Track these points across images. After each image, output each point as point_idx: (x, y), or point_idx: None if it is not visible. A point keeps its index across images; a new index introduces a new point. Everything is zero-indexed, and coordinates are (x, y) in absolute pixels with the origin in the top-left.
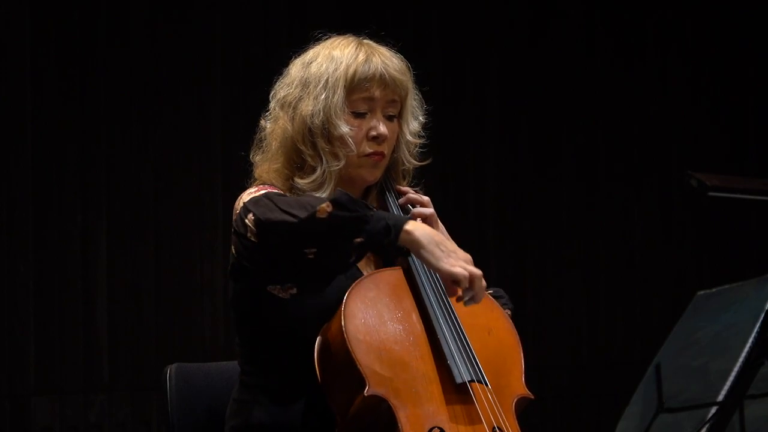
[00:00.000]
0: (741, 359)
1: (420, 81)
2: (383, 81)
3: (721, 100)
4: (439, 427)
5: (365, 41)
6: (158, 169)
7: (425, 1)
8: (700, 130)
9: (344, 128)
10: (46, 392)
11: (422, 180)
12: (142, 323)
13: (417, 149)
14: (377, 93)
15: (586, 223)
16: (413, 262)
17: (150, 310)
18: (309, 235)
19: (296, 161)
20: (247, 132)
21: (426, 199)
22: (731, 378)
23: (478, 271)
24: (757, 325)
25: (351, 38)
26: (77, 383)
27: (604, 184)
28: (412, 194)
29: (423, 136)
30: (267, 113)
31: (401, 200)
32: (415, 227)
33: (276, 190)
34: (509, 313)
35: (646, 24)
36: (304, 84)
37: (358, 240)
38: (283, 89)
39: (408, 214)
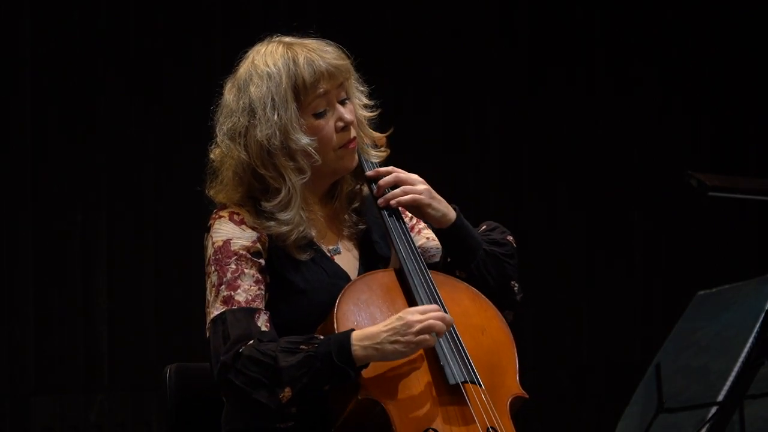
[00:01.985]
0: (741, 359)
1: (420, 82)
2: (329, 74)
3: (721, 100)
4: (432, 429)
5: (286, 40)
6: (158, 169)
7: (425, 1)
8: (700, 130)
9: (304, 140)
10: (46, 392)
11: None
12: (142, 323)
13: (374, 119)
14: (327, 86)
15: (585, 222)
16: (405, 264)
17: (150, 310)
18: (284, 410)
19: (259, 186)
20: None
21: (414, 176)
22: (731, 378)
23: (431, 321)
24: (757, 325)
25: (273, 44)
26: (77, 383)
27: (603, 183)
28: (401, 174)
29: (373, 106)
30: (212, 146)
31: (377, 177)
32: (360, 346)
33: (231, 266)
34: (511, 239)
35: (646, 23)
36: (250, 110)
37: (326, 387)
38: (228, 120)
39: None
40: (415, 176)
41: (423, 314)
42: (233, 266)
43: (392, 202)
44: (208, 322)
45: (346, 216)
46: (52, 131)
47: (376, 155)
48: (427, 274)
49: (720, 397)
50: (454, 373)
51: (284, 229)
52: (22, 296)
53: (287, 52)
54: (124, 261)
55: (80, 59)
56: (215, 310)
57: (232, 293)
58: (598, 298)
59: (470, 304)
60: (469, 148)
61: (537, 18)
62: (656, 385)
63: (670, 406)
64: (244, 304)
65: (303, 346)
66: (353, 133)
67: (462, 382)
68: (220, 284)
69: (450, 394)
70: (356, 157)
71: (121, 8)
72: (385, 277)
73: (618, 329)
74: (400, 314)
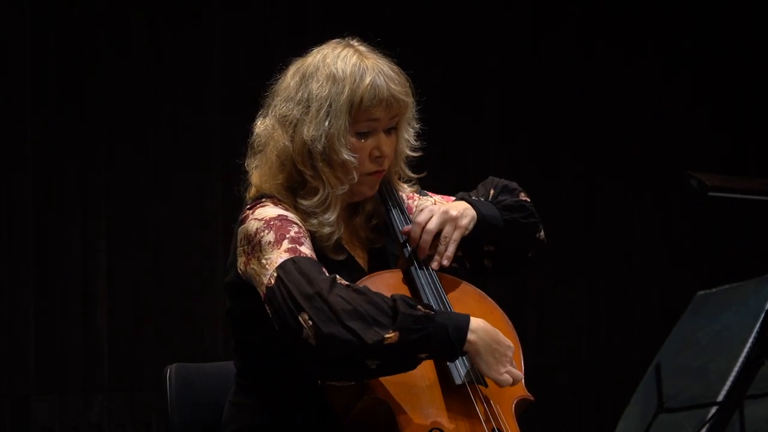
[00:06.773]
0: (741, 359)
1: (419, 82)
2: (388, 104)
3: (721, 101)
4: (438, 429)
5: (361, 49)
6: (158, 169)
7: (426, 1)
8: (700, 130)
9: (346, 155)
10: (46, 392)
11: (423, 171)
12: (142, 323)
13: (413, 158)
14: (381, 114)
15: (586, 222)
16: (412, 264)
17: (150, 310)
18: (374, 354)
19: (297, 179)
20: (247, 133)
21: (433, 208)
22: (731, 378)
23: (520, 374)
24: (757, 325)
25: (349, 49)
26: (77, 383)
27: (603, 183)
28: (429, 225)
29: (417, 145)
30: (260, 117)
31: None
32: (476, 335)
33: (294, 228)
34: (524, 197)
35: (646, 24)
36: (305, 105)
37: (423, 355)
38: (284, 105)
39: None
40: (434, 207)
41: (519, 366)
42: (296, 228)
43: (444, 262)
44: (272, 272)
45: (363, 233)
46: (51, 131)
47: (406, 188)
48: (434, 275)
49: (720, 397)
50: (460, 373)
51: (326, 230)
52: (22, 296)
53: (359, 63)
54: (124, 261)
55: (80, 60)
56: (280, 258)
57: (297, 246)
58: (598, 297)
59: (476, 305)
60: (469, 142)
61: (538, 22)
62: (656, 385)
63: (670, 406)
64: (310, 256)
65: (420, 307)
66: (385, 165)
67: (468, 383)
68: (282, 239)
69: (455, 394)
70: (377, 187)
71: (122, 10)
72: (391, 277)
73: (618, 329)
74: (512, 346)
